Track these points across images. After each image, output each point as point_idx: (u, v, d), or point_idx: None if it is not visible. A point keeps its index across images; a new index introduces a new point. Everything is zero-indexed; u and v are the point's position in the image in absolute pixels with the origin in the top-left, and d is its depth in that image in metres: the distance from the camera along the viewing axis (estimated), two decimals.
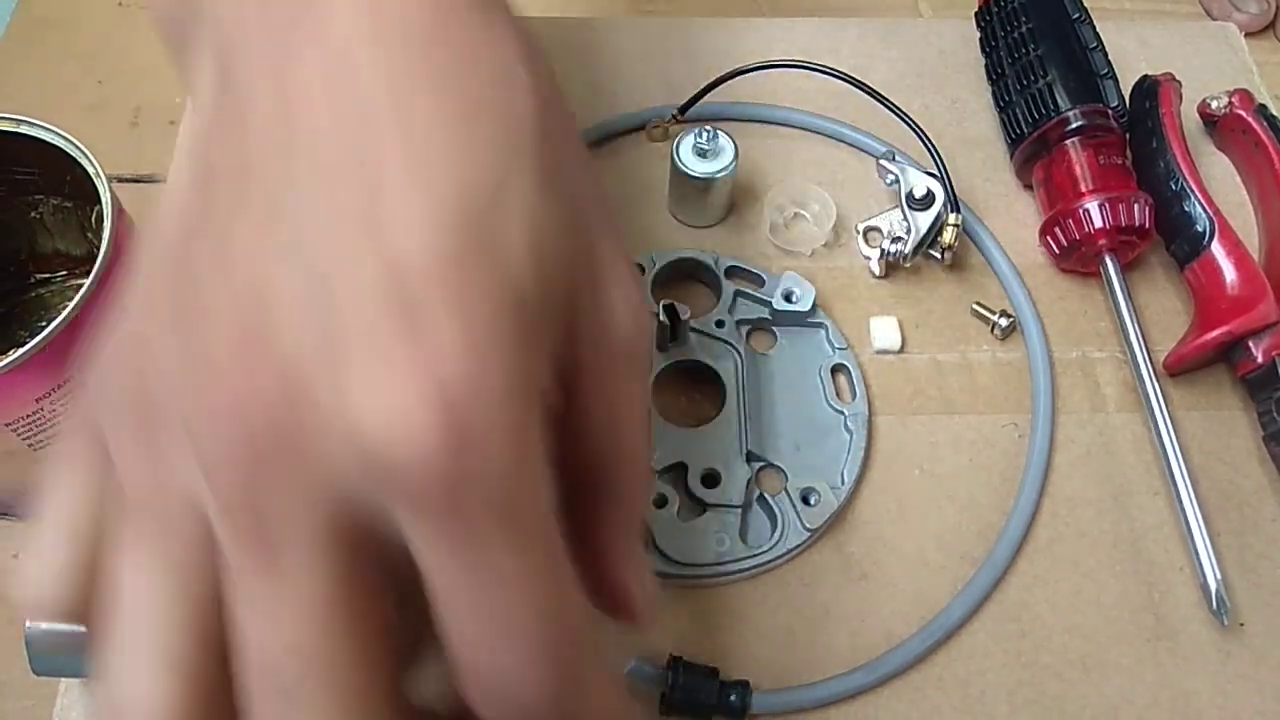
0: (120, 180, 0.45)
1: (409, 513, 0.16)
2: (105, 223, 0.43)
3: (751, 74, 0.43)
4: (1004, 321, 0.40)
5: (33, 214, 0.52)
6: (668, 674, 0.30)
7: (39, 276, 0.55)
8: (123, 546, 0.18)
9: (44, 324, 0.39)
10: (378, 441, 0.15)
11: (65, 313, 0.40)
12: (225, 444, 0.16)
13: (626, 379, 0.21)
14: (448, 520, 0.16)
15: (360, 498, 0.16)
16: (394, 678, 0.18)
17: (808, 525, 0.35)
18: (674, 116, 0.44)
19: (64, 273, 0.55)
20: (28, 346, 0.39)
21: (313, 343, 0.16)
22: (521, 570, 0.17)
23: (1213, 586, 0.34)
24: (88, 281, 0.41)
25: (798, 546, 0.35)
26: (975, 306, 0.40)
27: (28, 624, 0.32)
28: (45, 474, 0.20)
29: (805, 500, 0.35)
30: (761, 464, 0.36)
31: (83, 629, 0.32)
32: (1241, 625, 0.35)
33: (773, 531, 0.35)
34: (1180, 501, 0.36)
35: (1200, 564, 0.35)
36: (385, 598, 0.18)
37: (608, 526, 0.22)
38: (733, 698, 0.30)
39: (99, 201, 0.44)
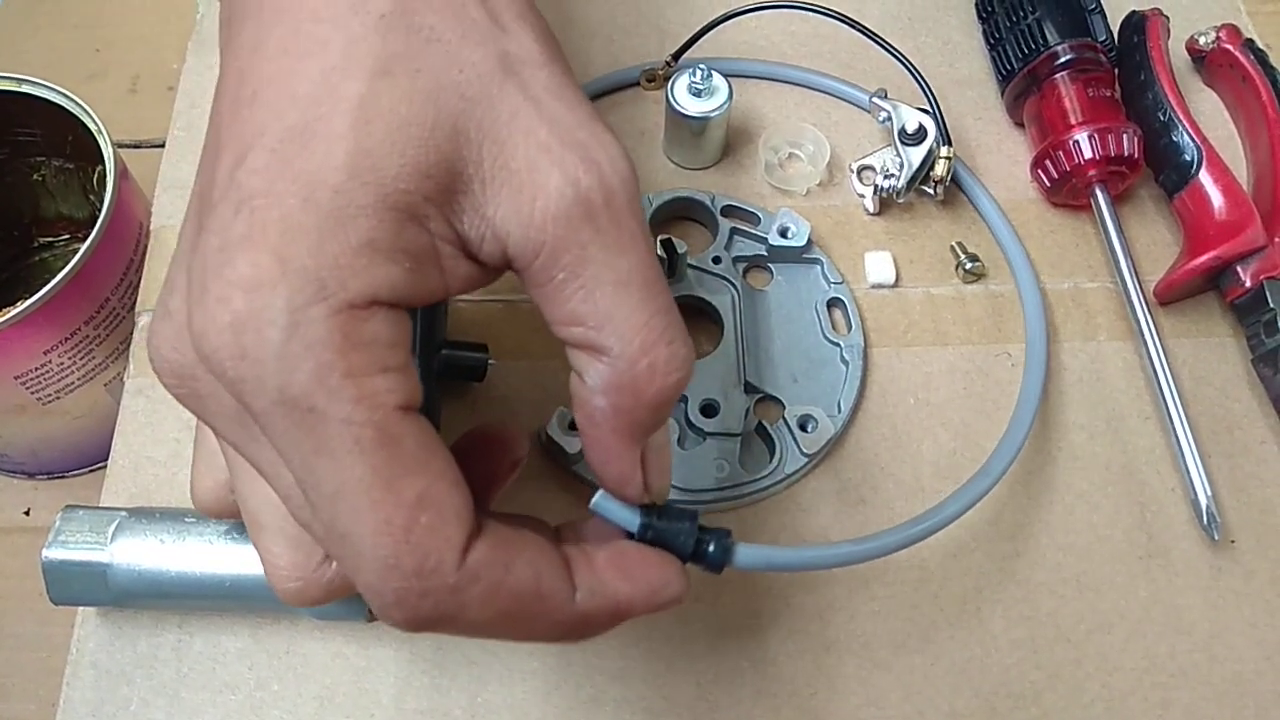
0: (120, 146, 0.45)
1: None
2: (108, 177, 0.43)
3: (744, 17, 0.43)
4: (969, 264, 0.40)
5: (35, 176, 0.52)
6: (640, 512, 0.24)
7: (42, 240, 0.55)
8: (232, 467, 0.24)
9: None
10: (206, 356, 0.20)
11: (71, 265, 0.41)
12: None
13: (577, 244, 0.21)
14: (257, 415, 0.19)
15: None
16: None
17: (805, 451, 0.35)
18: (667, 62, 0.44)
19: (66, 236, 0.55)
20: (34, 298, 0.40)
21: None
22: (315, 469, 0.19)
23: (1203, 503, 0.35)
24: (93, 233, 0.41)
25: (796, 472, 0.35)
26: (954, 246, 0.41)
27: (44, 556, 0.33)
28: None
29: (803, 427, 0.36)
30: (759, 395, 0.37)
31: (91, 559, 0.33)
32: (1232, 542, 0.36)
33: (771, 457, 0.35)
34: (1172, 425, 0.37)
35: (1191, 482, 0.36)
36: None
37: (598, 420, 0.22)
38: (712, 547, 0.25)
39: (101, 162, 0.44)
